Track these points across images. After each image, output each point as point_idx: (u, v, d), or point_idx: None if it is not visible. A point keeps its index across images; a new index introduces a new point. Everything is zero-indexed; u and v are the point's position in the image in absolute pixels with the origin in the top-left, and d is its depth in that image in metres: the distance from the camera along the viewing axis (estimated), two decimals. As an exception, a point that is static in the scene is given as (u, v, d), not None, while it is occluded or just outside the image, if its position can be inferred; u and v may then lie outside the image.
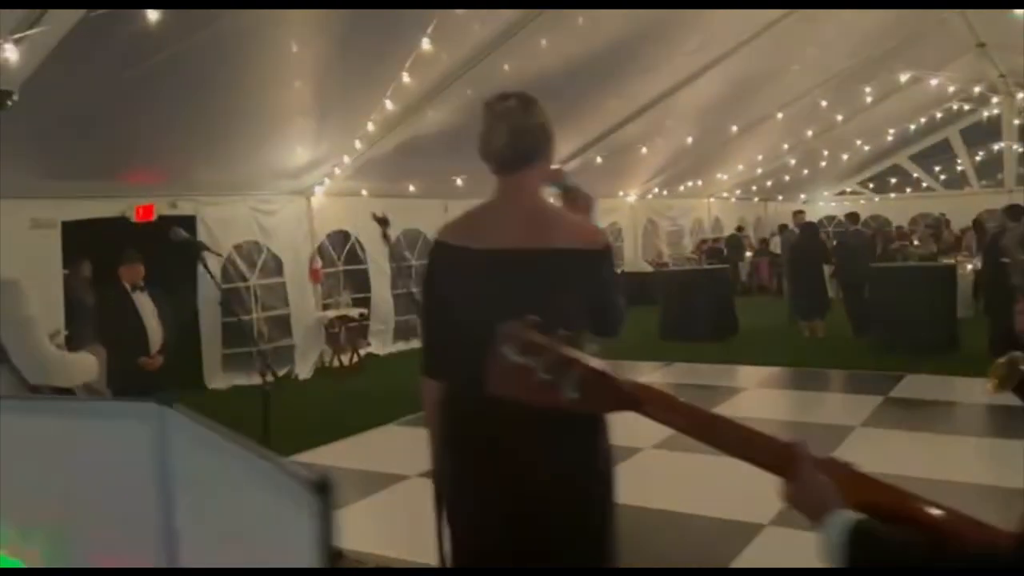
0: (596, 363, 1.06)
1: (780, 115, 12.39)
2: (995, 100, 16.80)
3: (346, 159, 8.80)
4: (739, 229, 17.73)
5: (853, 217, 10.78)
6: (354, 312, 9.59)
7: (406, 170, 9.68)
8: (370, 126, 8.15)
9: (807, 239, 10.05)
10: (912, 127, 17.40)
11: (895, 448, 5.37)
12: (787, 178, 17.78)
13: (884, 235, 14.40)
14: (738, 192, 17.97)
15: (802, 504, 1.07)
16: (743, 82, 11.17)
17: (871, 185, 21.01)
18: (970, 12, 11.07)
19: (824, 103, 12.79)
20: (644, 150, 11.84)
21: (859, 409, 6.41)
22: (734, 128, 12.26)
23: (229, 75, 6.59)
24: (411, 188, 10.15)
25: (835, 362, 8.33)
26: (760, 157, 15.38)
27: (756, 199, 19.05)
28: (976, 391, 7.12)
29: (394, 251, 2.70)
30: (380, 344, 10.32)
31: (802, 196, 20.79)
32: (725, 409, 6.50)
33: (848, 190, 21.25)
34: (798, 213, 10.87)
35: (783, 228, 14.86)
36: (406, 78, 7.27)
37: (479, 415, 1.83)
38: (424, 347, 2.09)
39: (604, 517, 1.91)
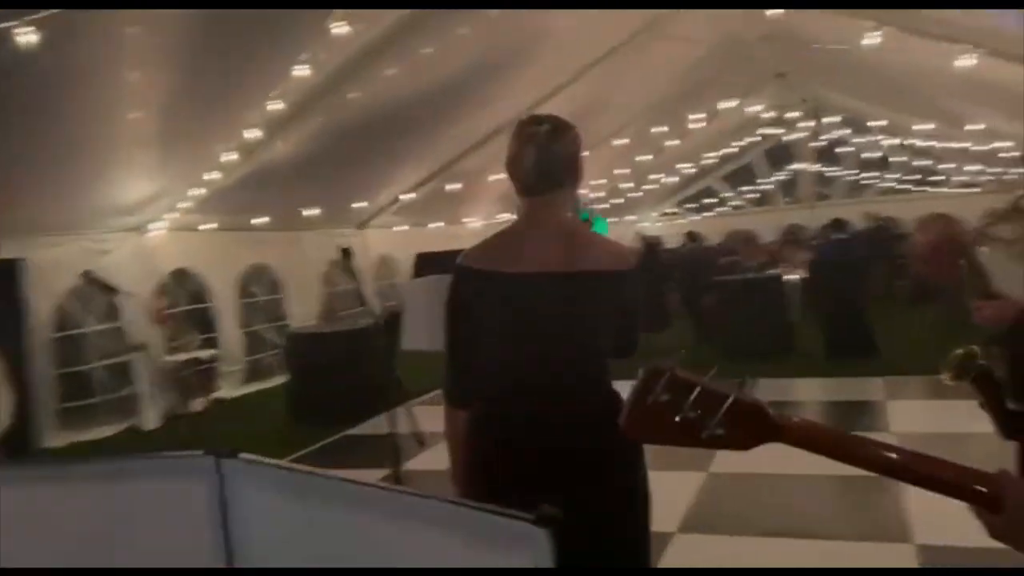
0: (749, 396, 1.01)
1: (616, 142, 13.05)
2: (796, 125, 18.60)
3: (192, 192, 8.31)
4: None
5: (692, 235, 11.51)
6: (204, 354, 9.02)
7: (252, 202, 9.29)
8: (226, 156, 7.76)
9: (650, 257, 10.60)
10: (725, 151, 18.95)
11: (763, 448, 5.73)
12: (619, 201, 18.73)
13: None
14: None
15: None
16: (581, 109, 11.66)
17: (688, 206, 22.53)
18: (773, 44, 12.13)
19: (654, 129, 13.59)
20: (492, 177, 12.05)
21: (723, 414, 6.77)
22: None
23: (59, 105, 6.05)
24: (259, 221, 9.73)
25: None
26: (603, 181, 16.06)
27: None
28: (816, 390, 7.80)
29: (359, 281, 2.52)
30: (230, 387, 9.76)
31: (631, 217, 22.02)
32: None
33: (668, 211, 22.68)
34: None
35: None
36: (277, 105, 7.03)
37: (515, 443, 1.82)
38: (450, 376, 2.02)
39: (646, 543, 1.92)
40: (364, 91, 8.16)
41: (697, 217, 21.81)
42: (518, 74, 9.98)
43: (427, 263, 12.06)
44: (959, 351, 2.34)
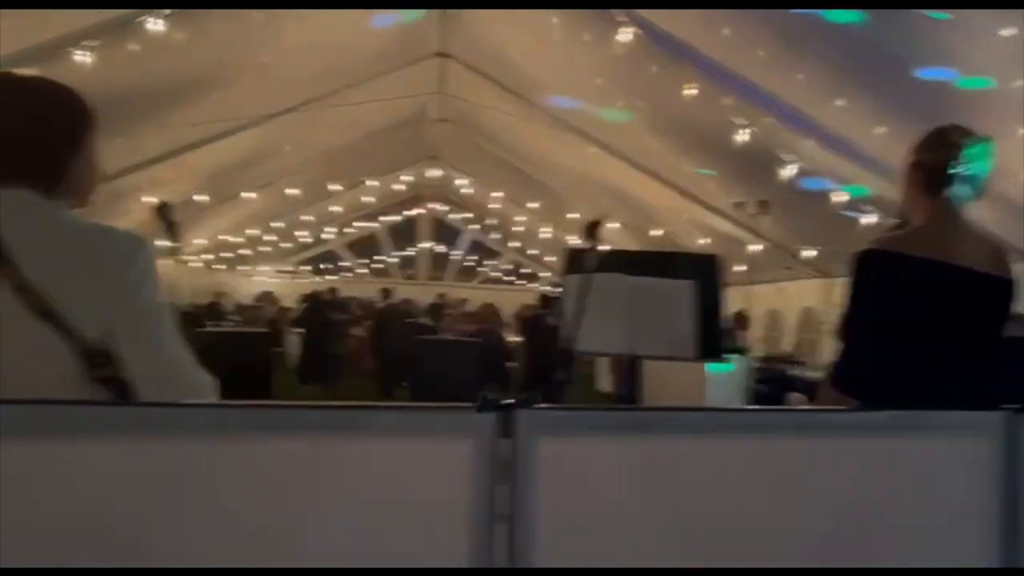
0: None
1: (288, 190, 12.68)
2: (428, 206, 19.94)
3: None
4: (219, 295, 17.29)
5: (387, 292, 11.59)
6: None
7: None
8: None
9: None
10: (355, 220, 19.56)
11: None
12: (243, 252, 18.03)
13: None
14: (210, 257, 17.55)
15: None
16: (259, 149, 11.19)
17: (306, 267, 22.42)
18: (444, 126, 12.96)
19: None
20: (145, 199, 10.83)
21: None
22: (249, 194, 12.11)
23: None
24: None
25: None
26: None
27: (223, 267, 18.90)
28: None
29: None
30: None
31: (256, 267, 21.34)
32: None
33: (288, 269, 22.30)
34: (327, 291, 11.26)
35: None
36: None
37: None
38: (846, 360, 2.00)
39: None
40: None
41: (315, 278, 21.77)
42: (206, 95, 9.24)
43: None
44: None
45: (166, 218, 2.03)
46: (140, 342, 1.43)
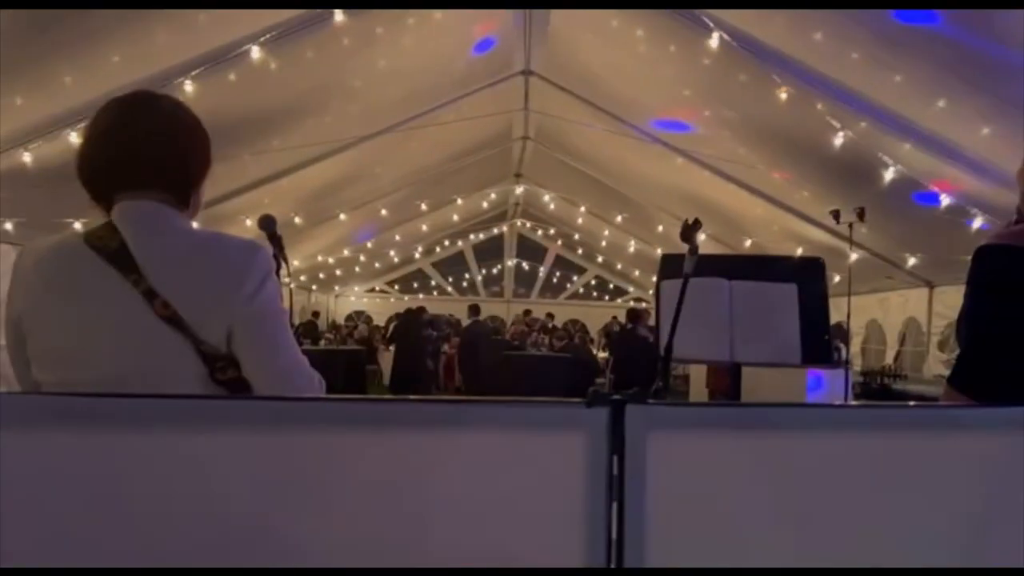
0: None
1: (383, 211, 13.00)
2: (513, 223, 20.05)
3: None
4: (315, 314, 17.84)
5: (475, 309, 11.78)
6: None
7: None
8: None
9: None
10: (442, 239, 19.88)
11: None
12: (337, 272, 18.51)
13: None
14: (302, 278, 18.11)
15: None
16: (348, 173, 11.50)
17: (396, 286, 22.89)
18: (528, 144, 13.09)
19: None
20: (248, 222, 11.26)
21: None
22: (342, 216, 12.48)
23: None
24: None
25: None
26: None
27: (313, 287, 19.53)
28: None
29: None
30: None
31: (349, 287, 21.87)
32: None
33: (377, 288, 22.81)
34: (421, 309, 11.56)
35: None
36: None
37: None
38: (970, 359, 1.91)
39: None
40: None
41: (404, 297, 22.22)
42: (301, 121, 9.58)
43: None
44: None
45: (268, 230, 2.12)
46: (258, 345, 1.50)
